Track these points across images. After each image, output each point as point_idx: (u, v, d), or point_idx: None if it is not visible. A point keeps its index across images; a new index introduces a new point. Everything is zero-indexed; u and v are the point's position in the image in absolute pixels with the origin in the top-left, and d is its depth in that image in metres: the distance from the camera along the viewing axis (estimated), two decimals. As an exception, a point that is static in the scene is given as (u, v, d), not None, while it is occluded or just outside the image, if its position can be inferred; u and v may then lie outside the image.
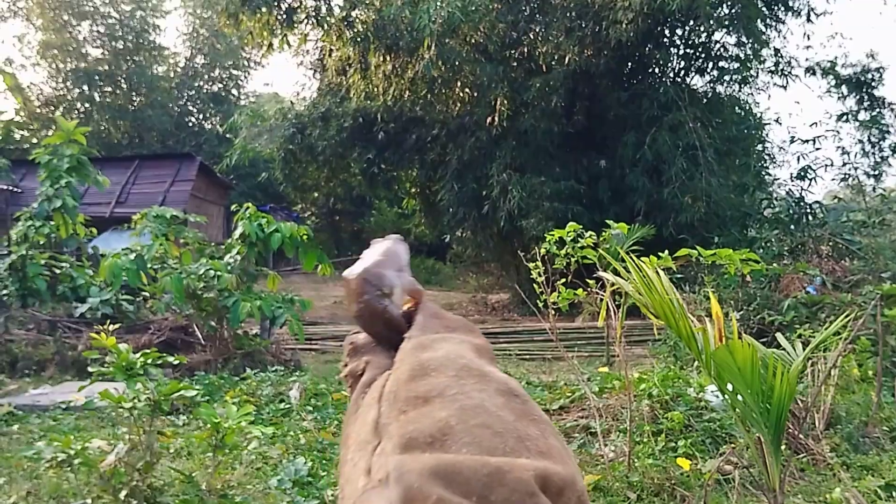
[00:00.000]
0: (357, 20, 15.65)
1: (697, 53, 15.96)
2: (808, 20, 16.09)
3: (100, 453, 4.08)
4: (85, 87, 37.02)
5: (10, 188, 21.33)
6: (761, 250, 11.66)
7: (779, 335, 4.18)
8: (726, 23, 14.65)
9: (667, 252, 4.93)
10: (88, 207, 16.79)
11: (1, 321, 9.79)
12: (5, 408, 6.67)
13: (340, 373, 0.76)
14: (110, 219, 19.98)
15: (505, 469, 0.51)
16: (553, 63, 14.56)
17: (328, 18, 15.93)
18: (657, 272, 3.75)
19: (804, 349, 3.98)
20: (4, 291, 10.73)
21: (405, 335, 0.70)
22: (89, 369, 3.86)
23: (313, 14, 15.89)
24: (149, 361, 3.84)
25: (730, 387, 3.64)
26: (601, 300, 5.73)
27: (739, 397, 3.63)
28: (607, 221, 6.34)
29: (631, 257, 3.66)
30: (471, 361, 0.63)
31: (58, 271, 11.21)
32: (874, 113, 16.46)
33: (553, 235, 5.69)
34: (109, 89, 37.84)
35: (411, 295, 0.78)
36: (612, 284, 4.31)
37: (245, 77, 42.04)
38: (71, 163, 11.09)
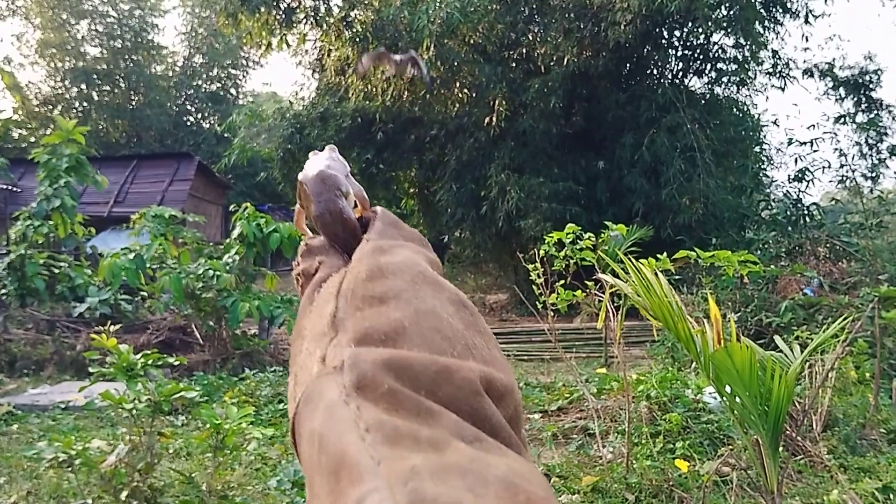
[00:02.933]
0: (356, 20, 15.67)
1: (695, 55, 15.99)
2: (806, 22, 16.13)
3: (100, 453, 4.09)
4: (83, 86, 37.02)
5: (9, 187, 21.31)
6: (759, 252, 11.68)
7: (777, 337, 4.20)
8: (724, 24, 14.67)
9: (665, 254, 4.95)
10: (86, 207, 16.78)
11: (0, 321, 9.79)
12: (5, 407, 6.68)
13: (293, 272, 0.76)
14: (108, 218, 19.98)
15: (453, 369, 0.53)
16: (551, 64, 14.58)
17: (327, 18, 15.95)
18: (656, 274, 3.77)
19: (802, 351, 4.00)
20: (3, 291, 10.73)
21: (363, 238, 0.71)
22: (90, 370, 3.87)
23: (312, 14, 15.91)
24: (149, 362, 3.85)
25: (728, 389, 3.66)
26: (600, 302, 5.75)
27: (738, 399, 3.65)
28: (605, 222, 6.36)
29: (630, 259, 3.68)
30: (426, 270, 0.65)
31: (56, 271, 11.20)
32: (872, 115, 16.50)
33: (552, 237, 5.71)
34: (108, 88, 37.84)
35: (360, 202, 0.79)
36: (611, 286, 4.33)
37: (243, 77, 42.09)
38: (70, 162, 11.09)
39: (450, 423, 0.50)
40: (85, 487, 4.10)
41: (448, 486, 0.43)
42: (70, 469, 3.78)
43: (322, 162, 0.79)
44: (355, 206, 0.78)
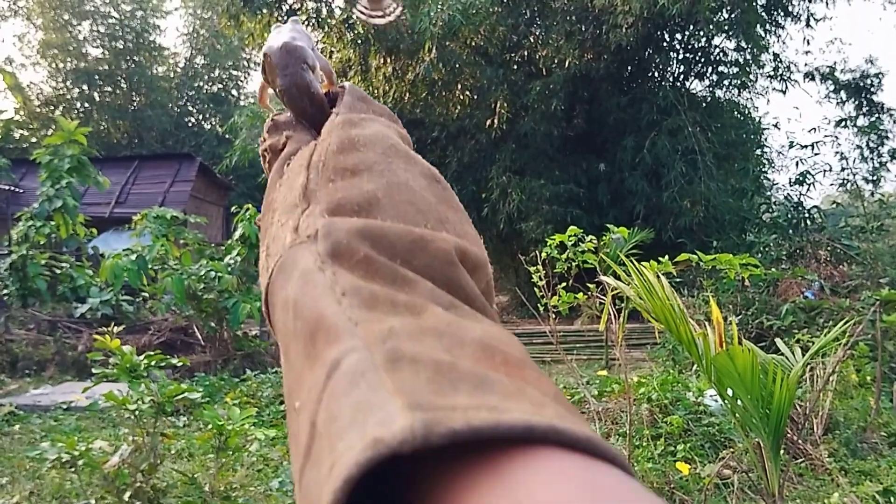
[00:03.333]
0: (357, 22, 15.69)
1: (697, 58, 16.00)
2: (808, 25, 16.15)
3: (101, 454, 4.10)
4: (85, 87, 37.02)
5: (11, 188, 21.32)
6: (760, 255, 11.70)
7: (778, 341, 4.21)
8: (726, 27, 14.70)
9: (666, 257, 4.96)
10: (88, 207, 16.80)
11: (1, 321, 9.81)
12: (6, 408, 6.69)
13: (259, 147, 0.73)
14: (110, 219, 19.99)
15: (428, 238, 0.54)
16: (553, 66, 14.59)
17: (329, 20, 15.97)
18: (658, 277, 3.78)
19: (803, 355, 4.02)
20: (5, 291, 10.75)
21: (332, 112, 0.69)
22: (93, 371, 3.88)
23: (314, 16, 15.93)
24: (152, 363, 3.86)
25: (730, 392, 3.68)
26: (601, 304, 5.76)
27: (739, 402, 3.66)
28: (607, 225, 6.38)
29: (633, 262, 3.69)
30: (398, 143, 0.65)
31: (58, 271, 11.22)
32: (873, 118, 16.51)
33: (554, 239, 5.72)
34: (109, 89, 37.84)
35: (326, 76, 0.76)
36: (614, 288, 4.34)
37: (245, 78, 42.04)
38: (72, 163, 11.11)
39: (426, 289, 0.50)
40: (87, 488, 4.11)
41: (425, 346, 0.43)
42: (73, 469, 3.79)
43: (286, 34, 0.75)
44: (322, 81, 0.75)
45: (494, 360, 0.42)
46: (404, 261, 0.52)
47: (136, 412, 3.64)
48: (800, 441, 5.17)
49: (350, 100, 0.70)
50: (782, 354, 4.13)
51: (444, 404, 0.38)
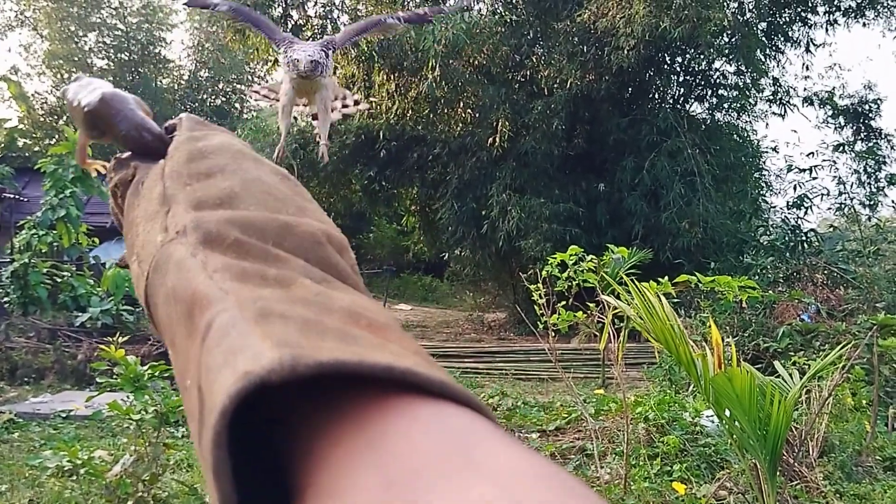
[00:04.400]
0: (362, 39, 15.78)
1: (697, 81, 16.13)
2: (808, 51, 16.31)
3: (101, 463, 4.13)
4: (88, 97, 37.11)
5: (15, 196, 21.36)
6: (757, 277, 11.74)
7: (777, 363, 4.26)
8: (726, 52, 14.84)
9: (667, 278, 5.02)
10: (90, 217, 16.78)
11: (2, 328, 9.82)
12: (6, 415, 6.71)
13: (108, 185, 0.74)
14: (111, 229, 19.98)
15: (293, 223, 0.56)
16: (555, 86, 14.70)
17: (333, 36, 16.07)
18: (658, 297, 3.83)
19: (800, 377, 4.06)
20: (6, 299, 10.78)
21: (174, 136, 0.70)
22: (97, 380, 3.92)
23: (319, 32, 16.05)
24: (156, 374, 3.90)
25: (728, 413, 3.72)
26: (599, 323, 5.80)
27: (737, 423, 3.70)
28: (605, 244, 6.44)
29: (634, 282, 3.74)
30: (244, 148, 0.67)
31: (59, 280, 11.25)
32: (871, 144, 16.62)
33: (555, 258, 5.78)
34: (112, 100, 37.93)
35: (144, 110, 0.77)
36: (614, 308, 4.39)
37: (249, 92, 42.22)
38: (76, 173, 11.16)
39: (297, 265, 0.52)
40: (87, 497, 4.14)
41: (294, 309, 0.45)
42: (73, 478, 3.82)
43: (96, 86, 0.77)
44: (148, 114, 0.77)
45: (360, 323, 0.45)
46: (275, 243, 0.53)
47: (140, 422, 3.68)
48: (795, 463, 5.20)
49: (189, 123, 0.73)
50: (779, 376, 4.17)
51: (312, 345, 0.40)
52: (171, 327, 0.51)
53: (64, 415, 6.88)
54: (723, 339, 4.06)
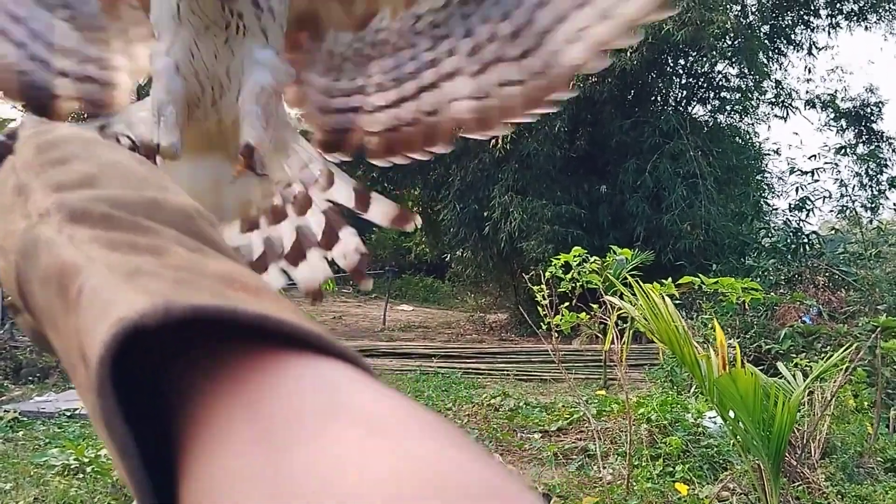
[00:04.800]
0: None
1: (700, 83, 16.13)
2: (810, 54, 16.33)
3: (107, 461, 4.15)
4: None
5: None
6: (758, 279, 11.75)
7: (780, 364, 4.28)
8: (729, 54, 14.84)
9: (670, 280, 5.04)
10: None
11: (6, 328, 9.84)
12: (10, 414, 6.73)
13: None
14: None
15: (160, 199, 0.55)
16: (557, 88, 14.68)
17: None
18: (663, 298, 3.85)
19: (804, 379, 4.08)
20: (9, 297, 10.79)
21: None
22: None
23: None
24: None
25: (731, 414, 3.73)
26: (601, 324, 5.82)
27: (741, 425, 3.71)
28: (607, 246, 6.46)
29: (639, 284, 3.76)
30: (95, 136, 0.66)
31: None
32: (872, 146, 16.64)
33: (559, 259, 5.80)
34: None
35: None
36: (618, 309, 4.41)
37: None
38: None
39: (170, 235, 0.51)
40: (93, 495, 4.15)
41: (165, 273, 0.44)
42: (81, 476, 3.84)
43: None
44: None
45: (234, 286, 0.45)
46: (146, 216, 0.52)
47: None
48: (797, 464, 5.21)
49: (32, 122, 0.70)
50: (782, 378, 4.19)
51: (186, 296, 0.40)
52: (50, 310, 0.49)
53: (68, 413, 6.89)
54: (726, 341, 4.08)
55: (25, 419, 6.76)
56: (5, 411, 6.83)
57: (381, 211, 1.37)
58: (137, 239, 0.49)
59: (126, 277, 0.43)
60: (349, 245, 1.34)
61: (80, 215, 0.51)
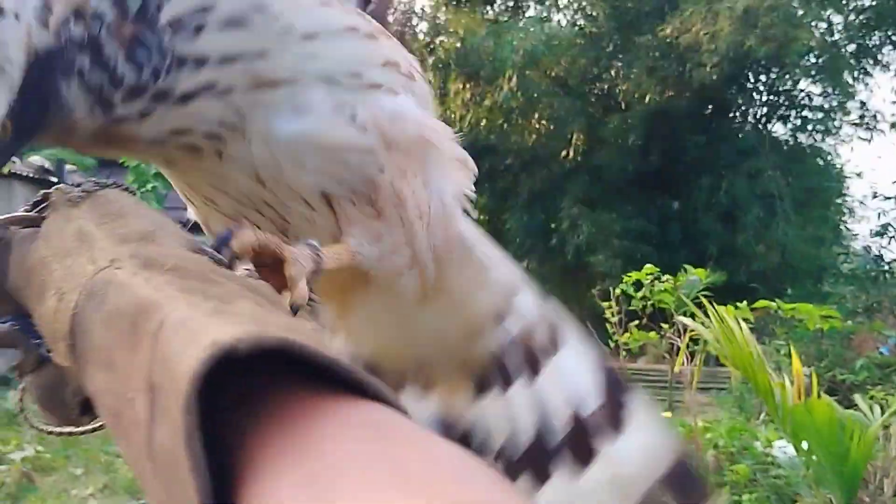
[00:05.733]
0: (440, 47, 15.89)
1: (781, 101, 15.75)
2: (897, 75, 15.76)
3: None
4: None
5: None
6: (836, 306, 11.40)
7: (857, 397, 4.13)
8: (812, 72, 14.47)
9: (745, 302, 4.91)
10: (170, 211, 17.07)
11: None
12: (82, 400, 6.93)
13: None
14: (190, 222, 20.59)
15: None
16: (633, 101, 14.55)
17: (413, 43, 16.23)
18: (738, 322, 3.75)
19: (882, 413, 3.92)
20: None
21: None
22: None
23: (397, 37, 16.20)
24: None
25: (805, 445, 3.61)
26: (669, 344, 5.70)
27: (814, 457, 3.59)
28: (677, 264, 6.33)
29: (713, 306, 3.67)
30: (136, 198, 0.71)
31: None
32: (961, 172, 15.99)
33: (630, 277, 5.71)
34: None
35: None
36: (691, 330, 4.31)
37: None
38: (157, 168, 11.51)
39: (235, 288, 0.55)
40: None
41: (244, 318, 0.47)
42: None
43: None
44: None
45: (296, 332, 0.47)
46: (209, 271, 0.57)
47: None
48: (870, 501, 5.02)
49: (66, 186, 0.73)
50: (858, 410, 4.04)
51: (268, 331, 0.43)
52: (108, 349, 0.51)
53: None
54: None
55: (96, 406, 6.96)
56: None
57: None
58: (209, 288, 0.52)
59: (209, 314, 0.46)
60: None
61: (153, 263, 0.55)
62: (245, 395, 0.43)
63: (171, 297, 0.49)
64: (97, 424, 0.71)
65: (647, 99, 14.03)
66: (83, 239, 0.61)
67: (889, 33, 15.42)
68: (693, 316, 4.28)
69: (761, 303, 4.89)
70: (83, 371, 0.55)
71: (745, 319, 4.32)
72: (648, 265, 5.74)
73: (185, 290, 0.51)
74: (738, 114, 16.08)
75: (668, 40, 13.83)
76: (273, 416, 0.41)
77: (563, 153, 15.03)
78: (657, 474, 0.88)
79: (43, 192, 0.73)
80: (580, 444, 0.89)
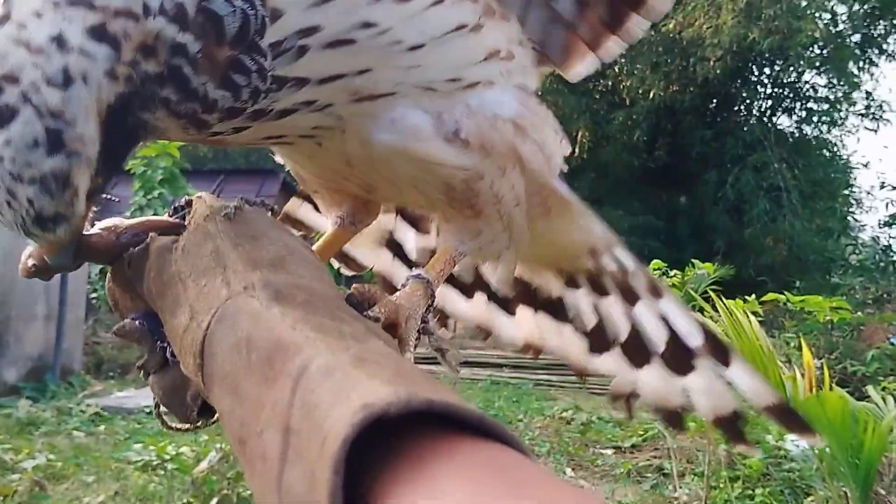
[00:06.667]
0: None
1: (785, 93, 15.71)
2: (904, 64, 15.70)
3: (185, 458, 4.23)
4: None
5: (107, 196, 22.09)
6: (844, 297, 11.35)
7: (870, 388, 4.10)
8: (817, 64, 14.44)
9: (753, 296, 4.88)
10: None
11: (89, 324, 10.19)
12: (92, 409, 6.93)
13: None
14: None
15: (338, 294, 0.63)
16: (637, 97, 14.51)
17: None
18: (747, 315, 3.73)
19: (895, 404, 3.89)
20: (94, 295, 11.16)
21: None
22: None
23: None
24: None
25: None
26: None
27: (827, 449, 3.57)
28: (685, 259, 6.31)
29: (721, 300, 3.65)
30: (271, 218, 0.73)
31: (145, 278, 11.61)
32: (969, 161, 15.90)
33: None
34: (198, 104, 38.99)
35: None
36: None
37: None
38: (164, 175, 11.53)
39: (363, 325, 0.57)
40: (171, 492, 4.23)
41: (380, 360, 0.48)
42: (161, 472, 3.91)
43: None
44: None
45: (430, 380, 0.48)
46: (336, 308, 0.59)
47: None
48: (886, 493, 4.99)
49: (211, 197, 0.75)
50: (870, 402, 4.01)
51: (413, 387, 0.44)
52: (236, 376, 0.54)
53: (148, 410, 7.06)
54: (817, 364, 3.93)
55: (106, 414, 6.96)
56: (87, 406, 7.04)
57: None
58: (342, 326, 0.54)
59: (353, 363, 0.47)
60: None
61: (284, 297, 0.57)
62: (375, 436, 0.43)
63: (310, 340, 0.51)
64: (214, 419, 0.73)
65: (651, 95, 14.00)
66: (219, 260, 0.63)
67: (894, 22, 15.35)
68: (702, 310, 4.25)
69: (770, 296, 4.86)
70: (209, 390, 0.58)
71: (754, 313, 4.29)
72: (656, 260, 5.71)
73: (320, 329, 0.52)
74: (742, 107, 16.04)
75: (671, 35, 13.80)
76: (401, 453, 0.42)
77: (569, 151, 14.99)
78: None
79: (186, 198, 0.77)
80: (680, 357, 1.02)
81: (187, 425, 0.75)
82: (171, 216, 0.77)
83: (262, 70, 0.66)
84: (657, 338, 1.03)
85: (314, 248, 0.89)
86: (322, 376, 0.46)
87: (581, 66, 0.94)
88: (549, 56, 0.93)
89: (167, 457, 3.66)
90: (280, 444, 0.46)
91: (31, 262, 0.72)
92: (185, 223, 0.72)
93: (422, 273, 0.81)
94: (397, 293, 0.78)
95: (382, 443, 0.43)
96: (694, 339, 1.02)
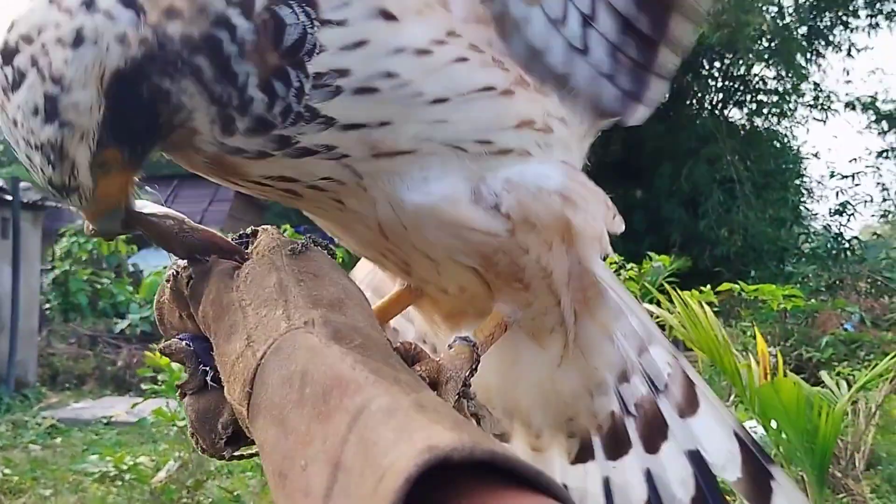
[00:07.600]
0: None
1: (736, 86, 15.93)
2: (849, 55, 16.00)
3: (143, 469, 4.17)
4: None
5: (55, 205, 21.72)
6: (798, 285, 11.56)
7: (824, 374, 4.18)
8: (766, 56, 14.64)
9: (708, 287, 4.95)
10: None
11: (43, 335, 9.98)
12: (48, 421, 6.80)
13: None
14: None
15: (388, 342, 0.66)
16: (590, 92, 14.62)
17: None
18: (702, 306, 3.77)
19: (848, 388, 3.97)
20: (47, 305, 10.95)
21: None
22: (142, 386, 3.96)
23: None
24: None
25: (774, 424, 3.64)
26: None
27: (783, 435, 3.62)
28: (642, 252, 6.36)
29: (676, 291, 3.69)
30: (331, 259, 0.75)
31: (99, 287, 11.41)
32: (915, 149, 16.28)
33: (595, 267, 5.73)
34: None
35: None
36: (656, 316, 4.33)
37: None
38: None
39: (415, 377, 0.60)
40: (131, 502, 4.17)
41: (447, 418, 0.48)
42: (120, 483, 3.85)
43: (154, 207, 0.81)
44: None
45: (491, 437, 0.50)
46: (388, 355, 0.61)
47: (184, 428, 3.70)
48: (842, 476, 5.09)
49: (276, 231, 0.77)
50: (825, 387, 4.09)
51: (474, 436, 0.44)
52: (283, 407, 0.54)
53: (105, 420, 6.95)
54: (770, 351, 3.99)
55: (62, 426, 6.84)
56: (43, 418, 6.91)
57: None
58: (397, 374, 0.56)
59: (415, 407, 0.48)
60: None
61: (342, 337, 0.59)
62: (427, 481, 0.43)
63: (369, 380, 0.51)
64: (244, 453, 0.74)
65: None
66: (281, 293, 0.64)
67: (840, 14, 15.65)
68: (658, 303, 4.30)
69: (725, 286, 4.93)
70: (253, 420, 0.58)
71: (709, 303, 4.36)
72: (613, 254, 5.76)
73: (378, 372, 0.53)
74: (694, 101, 16.23)
75: (622, 30, 13.91)
76: (458, 501, 0.43)
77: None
78: None
79: (252, 228, 0.78)
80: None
81: (211, 452, 0.73)
82: (235, 241, 0.78)
83: (301, 92, 0.66)
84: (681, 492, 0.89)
85: (376, 306, 0.88)
86: (384, 415, 0.47)
87: (639, 112, 0.94)
88: (608, 108, 0.93)
89: (125, 467, 3.59)
90: (327, 479, 0.46)
91: (89, 224, 0.75)
92: (247, 251, 0.74)
93: (469, 336, 0.80)
94: (442, 354, 0.78)
95: (430, 490, 0.43)
96: (730, 473, 0.91)
